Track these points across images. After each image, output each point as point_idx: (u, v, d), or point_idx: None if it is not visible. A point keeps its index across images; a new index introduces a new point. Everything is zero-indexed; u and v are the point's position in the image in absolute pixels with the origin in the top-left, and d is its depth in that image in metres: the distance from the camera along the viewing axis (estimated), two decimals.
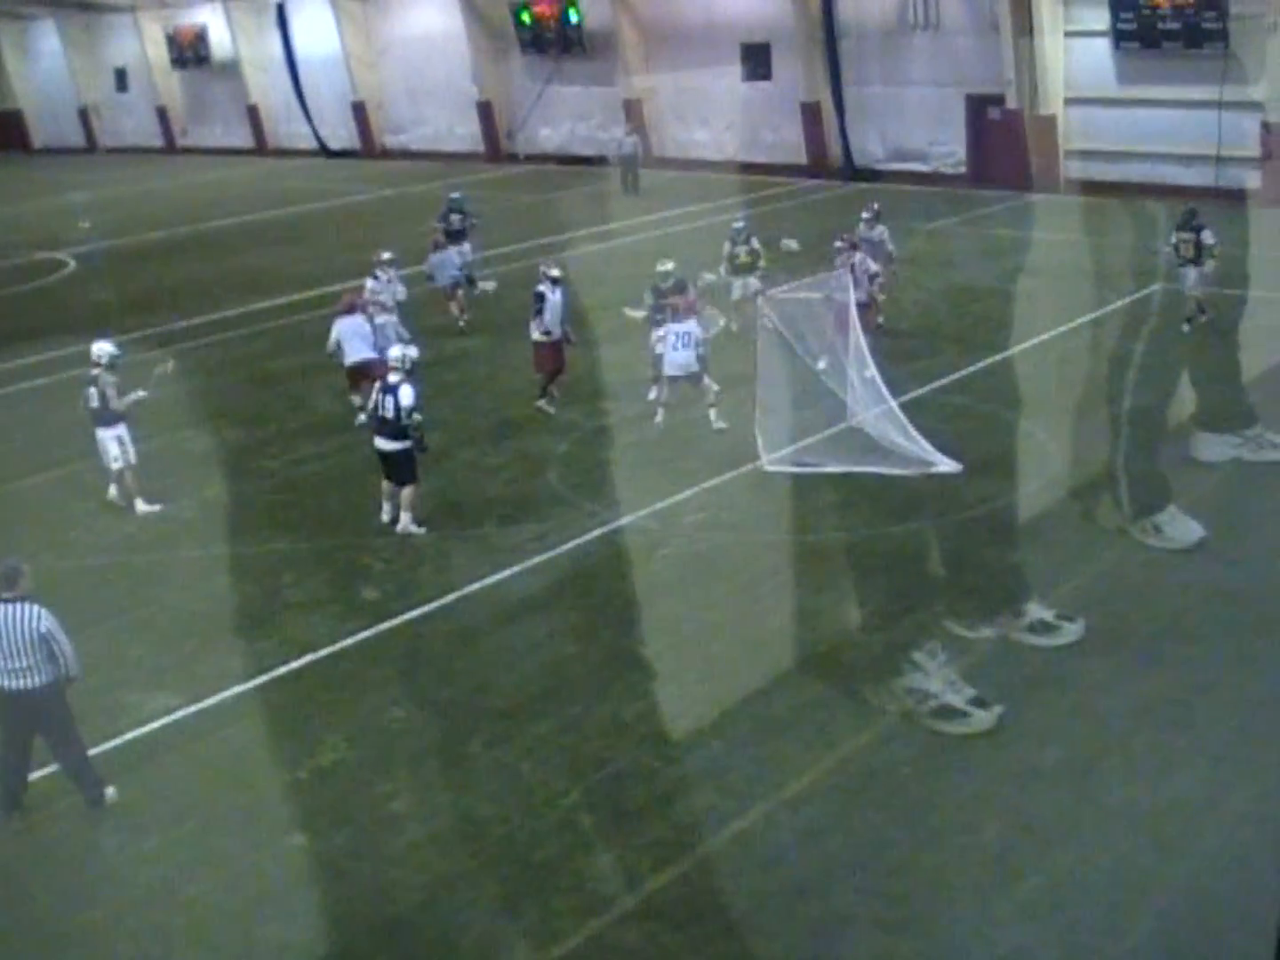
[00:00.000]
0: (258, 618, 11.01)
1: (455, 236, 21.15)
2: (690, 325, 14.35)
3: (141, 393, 13.16)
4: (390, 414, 12.19)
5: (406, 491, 12.42)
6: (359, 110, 43.65)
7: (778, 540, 11.91)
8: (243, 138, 47.40)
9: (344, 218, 31.64)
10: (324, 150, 44.97)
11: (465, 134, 41.30)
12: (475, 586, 11.28)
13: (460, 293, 19.77)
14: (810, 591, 10.86)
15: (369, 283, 17.29)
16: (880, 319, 17.06)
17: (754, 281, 17.39)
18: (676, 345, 14.25)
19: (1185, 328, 17.11)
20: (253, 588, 11.60)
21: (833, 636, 10.23)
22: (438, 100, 41.76)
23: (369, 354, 15.08)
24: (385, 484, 12.56)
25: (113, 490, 13.45)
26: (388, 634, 10.60)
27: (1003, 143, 29.31)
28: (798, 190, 31.32)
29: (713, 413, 14.40)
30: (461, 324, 19.49)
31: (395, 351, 12.67)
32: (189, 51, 47.59)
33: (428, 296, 19.66)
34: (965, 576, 11.05)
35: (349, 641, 10.45)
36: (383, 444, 12.39)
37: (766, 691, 9.38)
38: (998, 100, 29.29)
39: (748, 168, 33.15)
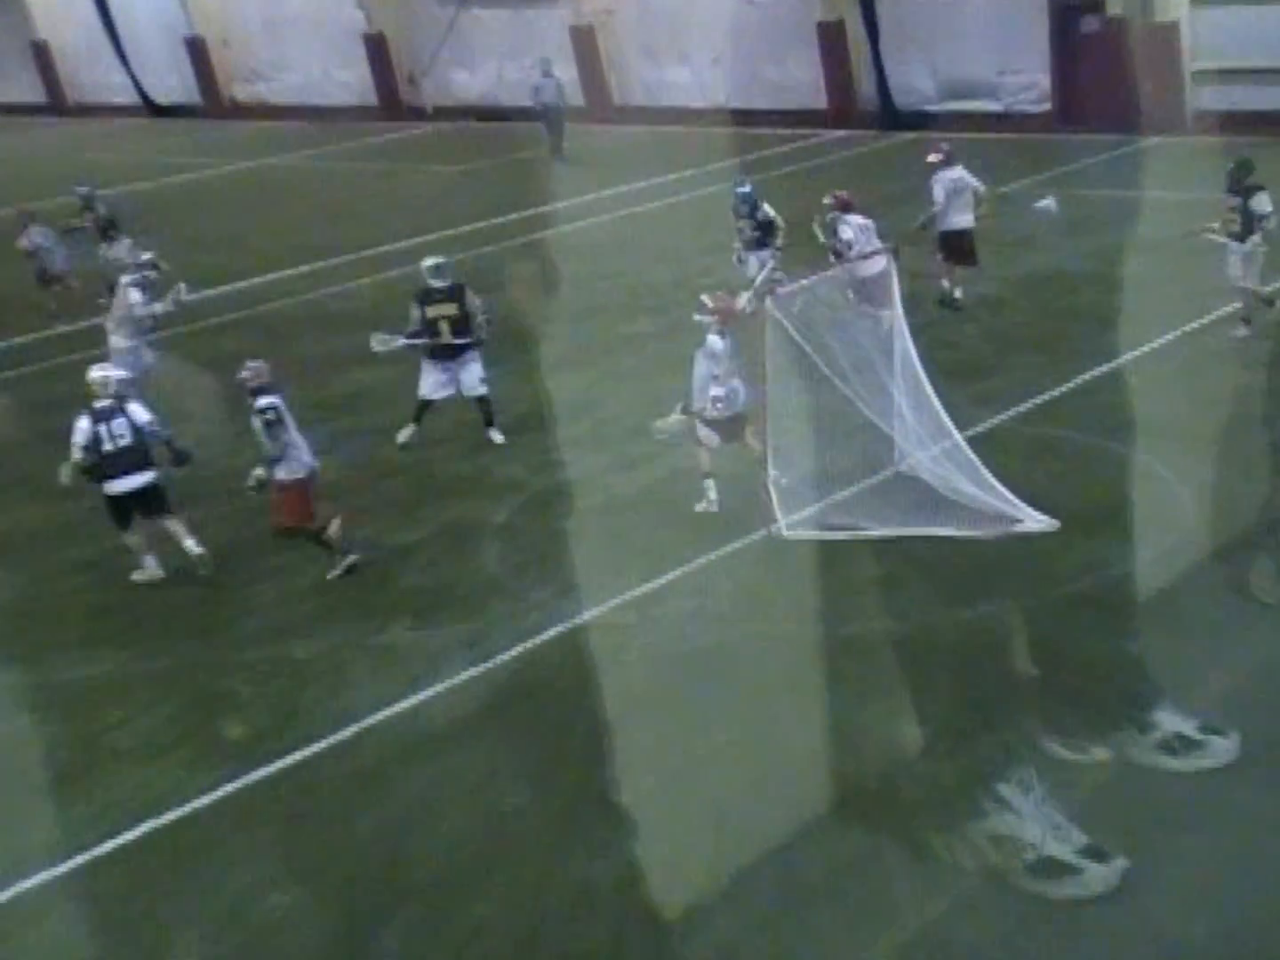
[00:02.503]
0: (71, 773, 11.09)
1: (106, 231, 23.10)
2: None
3: None
4: (127, 439, 13.26)
5: (173, 523, 13.68)
6: (197, 50, 44.09)
7: (801, 634, 12.05)
8: (29, 90, 47.83)
9: (181, 205, 31.85)
10: (149, 106, 45.46)
11: (349, 81, 41.87)
12: (384, 714, 11.40)
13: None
14: (850, 704, 10.99)
15: (133, 294, 18.36)
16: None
17: (768, 257, 18.03)
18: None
19: (1241, 331, 17.41)
20: (63, 729, 11.71)
21: (884, 765, 10.36)
22: (309, 35, 42.33)
23: None
24: (130, 537, 13.69)
25: None
26: (263, 785, 10.69)
27: (1103, 67, 29.77)
28: (816, 147, 31.90)
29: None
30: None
31: (94, 374, 13.71)
32: None
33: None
34: (1067, 677, 11.20)
35: (205, 800, 10.52)
36: (123, 483, 13.35)
37: (795, 845, 9.47)
38: (1094, 7, 29.83)
39: (744, 117, 33.71)
